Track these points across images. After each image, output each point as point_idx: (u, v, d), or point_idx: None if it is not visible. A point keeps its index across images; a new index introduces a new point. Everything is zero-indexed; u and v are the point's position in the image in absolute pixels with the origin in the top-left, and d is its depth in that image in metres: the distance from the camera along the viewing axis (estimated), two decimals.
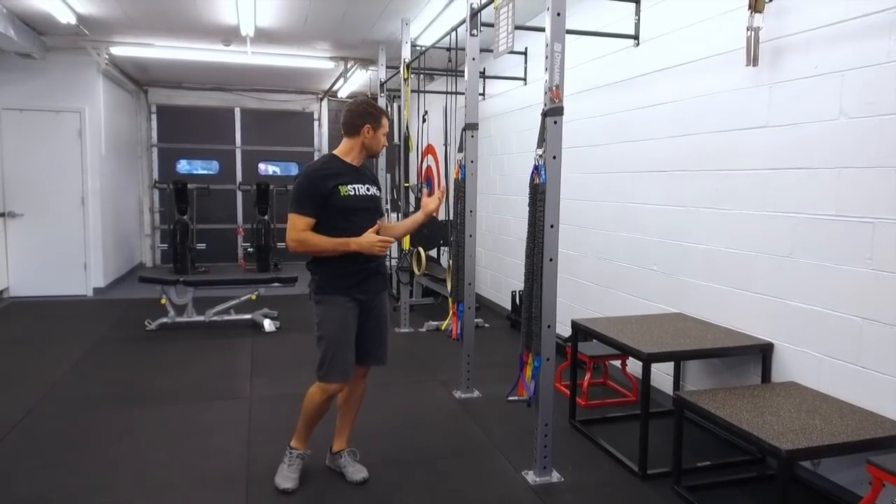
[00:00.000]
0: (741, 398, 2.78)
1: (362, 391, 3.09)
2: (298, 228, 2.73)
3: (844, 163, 2.78)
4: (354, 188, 2.81)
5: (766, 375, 3.19)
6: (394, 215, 6.83)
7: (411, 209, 7.00)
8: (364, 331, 2.91)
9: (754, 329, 3.30)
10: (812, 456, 2.59)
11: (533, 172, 2.89)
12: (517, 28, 3.95)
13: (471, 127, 3.98)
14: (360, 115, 2.84)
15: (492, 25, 3.61)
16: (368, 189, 2.87)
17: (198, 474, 3.09)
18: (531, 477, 3.05)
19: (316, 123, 10.61)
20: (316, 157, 9.51)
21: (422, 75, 6.59)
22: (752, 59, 3.15)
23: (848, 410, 2.65)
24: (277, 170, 10.55)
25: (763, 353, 3.19)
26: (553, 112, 2.81)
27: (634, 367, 4.08)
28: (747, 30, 3.13)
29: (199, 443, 3.45)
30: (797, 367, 3.05)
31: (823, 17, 2.86)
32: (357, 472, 3.01)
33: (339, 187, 2.76)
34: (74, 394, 4.22)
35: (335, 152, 2.91)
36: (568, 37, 2.83)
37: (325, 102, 10.49)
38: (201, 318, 6.01)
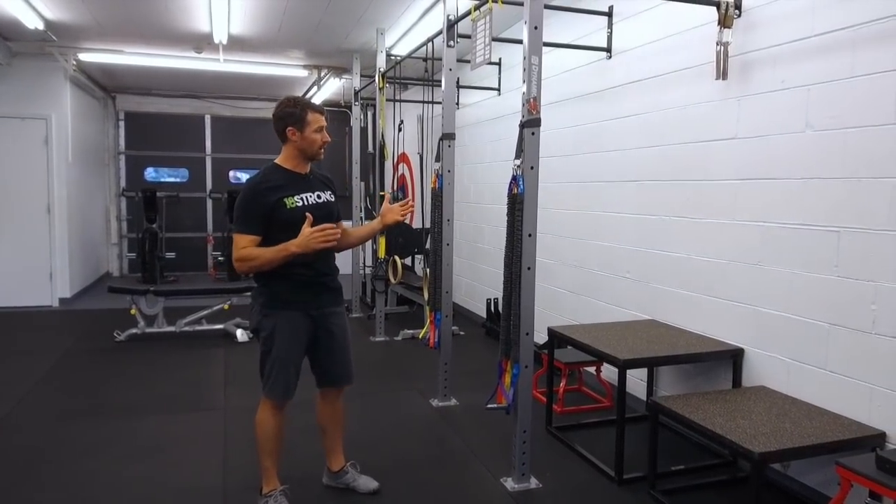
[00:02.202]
0: (713, 402, 2.85)
1: (341, 411, 2.98)
2: (240, 247, 2.55)
3: (811, 174, 2.88)
4: (302, 198, 2.63)
5: (737, 380, 3.27)
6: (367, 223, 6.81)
7: None
8: (319, 350, 2.78)
9: (725, 335, 3.38)
10: (783, 458, 2.66)
11: (511, 183, 2.93)
12: (495, 40, 4.01)
13: (448, 136, 4.02)
14: (281, 118, 2.64)
15: (468, 37, 3.65)
16: (319, 196, 2.70)
17: (173, 488, 3.04)
18: (510, 484, 3.07)
19: None
20: None
21: (396, 84, 6.61)
22: (722, 73, 3.24)
23: (816, 413, 2.73)
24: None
25: (734, 358, 3.27)
26: (531, 123, 2.86)
27: (609, 373, 4.14)
28: (717, 44, 3.23)
29: (173, 456, 3.40)
30: (767, 371, 3.13)
31: (790, 33, 2.97)
32: (368, 482, 2.98)
33: (285, 200, 2.58)
34: (42, 408, 4.12)
35: (277, 161, 2.71)
36: (542, 50, 2.88)
37: None
38: (172, 328, 5.92)
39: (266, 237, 2.58)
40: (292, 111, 2.63)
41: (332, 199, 2.79)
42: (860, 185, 2.66)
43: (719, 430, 2.56)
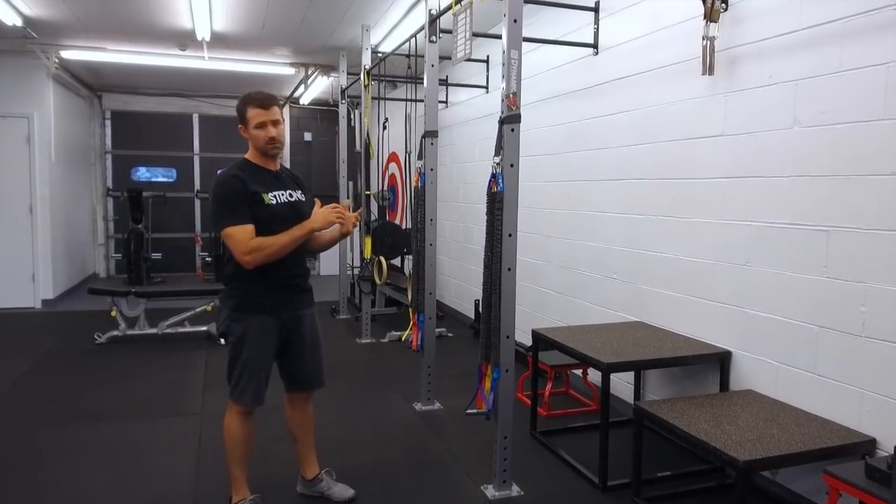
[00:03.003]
0: (699, 407, 2.76)
1: (311, 415, 2.88)
2: (245, 240, 2.43)
3: (799, 171, 2.80)
4: (276, 195, 2.55)
5: (724, 384, 3.18)
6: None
7: (373, 217, 6.93)
8: (289, 354, 2.68)
9: (713, 337, 3.30)
10: (769, 466, 2.58)
11: (490, 180, 2.84)
12: (478, 35, 3.93)
13: (430, 134, 3.92)
14: (236, 116, 2.59)
15: (451, 32, 3.56)
16: (291, 195, 2.62)
17: (141, 496, 2.93)
18: (490, 491, 2.98)
19: None
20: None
21: (383, 82, 6.51)
22: (708, 69, 3.15)
23: (805, 419, 2.65)
24: None
25: (721, 361, 3.19)
26: (510, 119, 2.77)
27: (595, 376, 4.05)
28: (703, 39, 3.14)
29: (144, 463, 3.29)
30: (755, 375, 3.05)
31: (777, 26, 2.88)
32: (343, 490, 2.87)
33: (262, 195, 2.50)
34: (14, 412, 4.01)
35: (246, 156, 2.62)
36: (527, 46, 2.81)
37: (286, 109, 10.32)
38: (154, 330, 5.81)
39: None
40: (239, 108, 2.58)
41: (304, 199, 2.71)
42: (849, 182, 2.58)
43: (704, 436, 2.47)
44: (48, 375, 4.82)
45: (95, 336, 5.67)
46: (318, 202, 2.76)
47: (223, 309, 2.63)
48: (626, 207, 3.96)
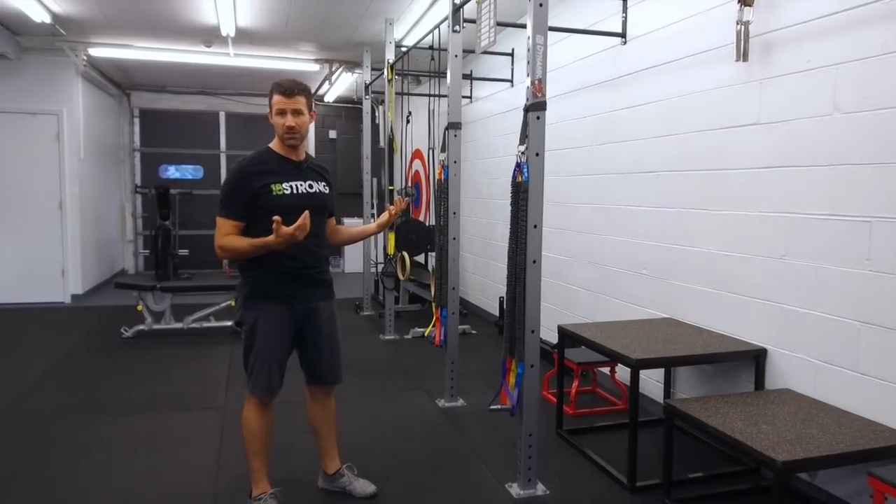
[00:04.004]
0: (734, 406, 2.65)
1: (333, 409, 2.84)
2: (222, 233, 2.43)
3: (840, 160, 2.67)
4: (291, 186, 2.50)
5: (759, 382, 3.06)
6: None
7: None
8: (305, 346, 2.65)
9: (747, 334, 3.17)
10: (809, 467, 2.46)
11: (515, 170, 2.76)
12: (502, 25, 3.85)
13: (454, 126, 3.85)
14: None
15: (475, 22, 3.49)
16: (311, 186, 2.56)
17: (162, 488, 2.91)
18: (515, 490, 2.90)
19: None
20: None
21: (407, 78, 6.46)
22: (742, 55, 3.05)
23: (846, 419, 2.52)
24: None
25: (756, 359, 3.07)
26: (535, 107, 2.69)
27: (624, 374, 3.95)
28: (737, 24, 3.03)
29: (166, 456, 3.28)
30: (792, 373, 2.92)
31: (816, 9, 2.75)
32: (365, 486, 2.82)
33: (272, 186, 2.46)
34: (41, 404, 4.03)
35: (270, 145, 2.59)
36: (554, 37, 2.73)
37: None
38: (179, 325, 5.84)
39: (250, 222, 2.46)
40: (269, 93, 2.55)
41: (326, 192, 2.65)
42: (894, 171, 2.45)
43: (739, 435, 2.36)
44: (75, 368, 4.86)
45: (122, 330, 5.72)
46: (397, 202, 2.83)
47: (238, 297, 2.62)
48: (656, 201, 3.85)
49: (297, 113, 2.51)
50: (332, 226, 2.80)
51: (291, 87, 2.51)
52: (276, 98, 2.50)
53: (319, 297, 2.65)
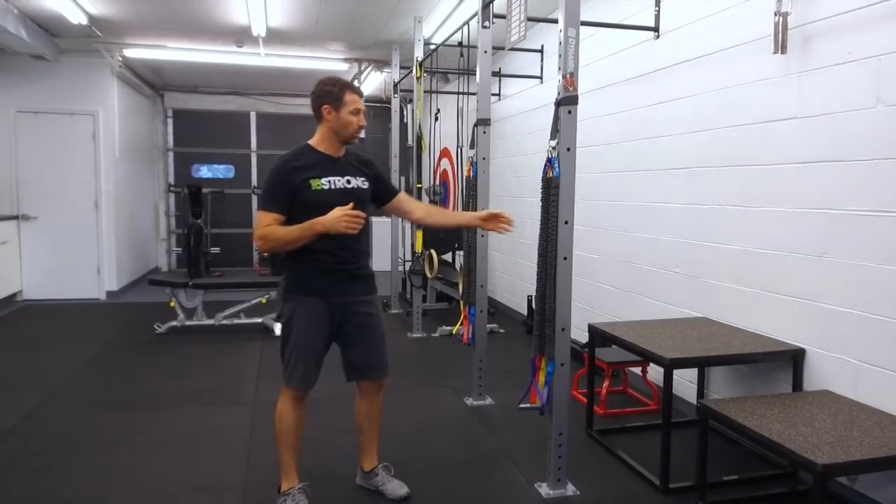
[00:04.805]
0: (771, 407, 2.58)
1: (379, 407, 2.84)
2: (263, 225, 2.47)
3: (883, 153, 2.57)
4: (330, 181, 2.53)
5: (797, 383, 2.97)
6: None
7: None
8: (344, 341, 2.66)
9: (785, 334, 3.09)
10: (850, 471, 2.38)
11: (546, 166, 2.73)
12: (533, 20, 3.82)
13: (482, 122, 3.83)
14: (319, 95, 2.56)
15: (505, 17, 3.45)
16: (349, 181, 2.59)
17: (192, 482, 2.94)
18: (544, 489, 2.86)
19: None
20: None
21: (436, 76, 6.45)
22: (780, 47, 2.97)
23: (889, 422, 2.43)
24: None
25: (794, 359, 2.98)
26: (567, 101, 2.65)
27: (655, 374, 3.88)
28: (775, 15, 2.95)
29: (196, 449, 3.32)
30: (832, 374, 2.83)
31: None
32: (398, 487, 2.81)
33: (311, 181, 2.49)
34: (75, 398, 4.11)
35: (310, 142, 2.63)
36: (585, 32, 2.69)
37: None
38: (211, 321, 5.91)
39: (290, 218, 2.51)
40: (330, 90, 2.56)
41: (365, 186, 2.66)
42: None
43: (777, 437, 2.29)
44: (109, 363, 4.95)
45: (155, 326, 5.81)
46: (492, 215, 2.78)
47: (278, 292, 2.66)
48: (690, 198, 3.77)
49: (365, 114, 2.64)
50: (405, 201, 2.85)
51: (360, 89, 2.64)
52: (353, 97, 2.57)
53: (357, 291, 2.65)
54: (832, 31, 2.80)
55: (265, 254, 2.57)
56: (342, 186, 2.57)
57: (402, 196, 2.87)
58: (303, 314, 2.55)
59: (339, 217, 2.42)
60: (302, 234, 2.46)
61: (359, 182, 2.63)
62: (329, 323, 2.59)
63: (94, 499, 2.80)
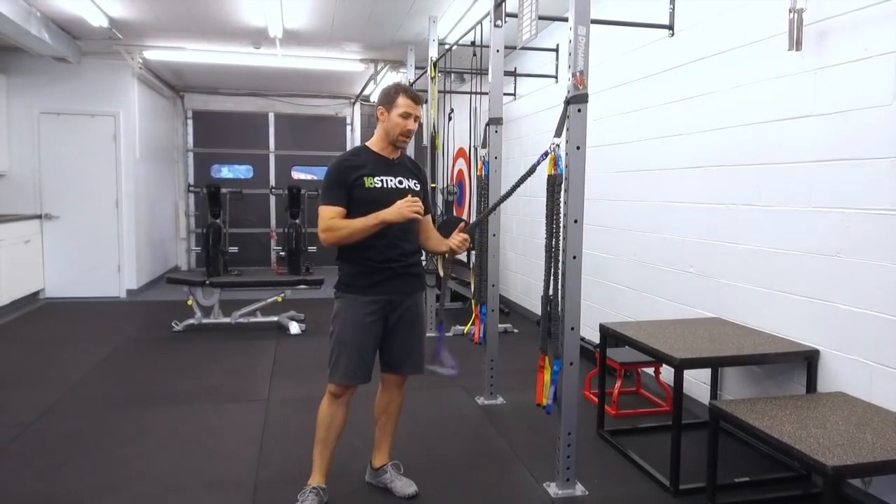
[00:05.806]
0: (783, 409, 2.55)
1: (398, 403, 2.87)
2: (326, 218, 2.55)
3: None
4: (383, 180, 2.61)
5: (811, 385, 2.93)
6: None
7: (440, 211, 6.88)
8: (392, 336, 2.71)
9: (798, 335, 3.05)
10: (862, 473, 2.34)
11: (541, 158, 2.74)
12: (546, 18, 3.81)
13: (494, 121, 3.83)
14: (379, 98, 2.67)
15: (517, 16, 3.45)
16: (401, 182, 2.65)
17: (204, 478, 2.98)
18: (553, 489, 2.86)
19: (348, 128, 10.60)
20: None
21: (451, 76, 6.46)
22: (795, 44, 2.93)
23: None
24: (314, 176, 10.52)
25: (808, 360, 2.94)
26: (577, 99, 2.65)
27: (668, 374, 3.85)
28: (790, 12, 2.92)
29: (209, 445, 3.36)
30: (846, 375, 2.79)
31: None
32: (406, 485, 2.82)
33: (364, 178, 2.57)
34: (92, 394, 4.18)
35: (367, 143, 2.72)
36: (599, 30, 2.68)
37: (357, 107, 10.46)
38: (227, 319, 5.97)
39: (348, 211, 2.57)
40: (387, 91, 2.65)
41: (416, 188, 2.71)
42: None
43: (788, 439, 2.26)
44: (127, 360, 5.03)
45: (173, 324, 5.89)
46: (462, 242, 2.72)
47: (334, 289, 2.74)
48: (704, 197, 3.73)
49: (417, 119, 2.66)
50: (427, 226, 2.79)
51: (419, 96, 2.67)
52: (406, 101, 2.61)
53: (403, 289, 2.69)
54: (848, 28, 2.76)
55: (328, 246, 2.62)
56: (394, 186, 2.64)
57: (429, 217, 2.81)
58: (348, 311, 2.63)
59: (402, 206, 2.50)
60: (366, 224, 2.52)
61: (410, 184, 2.70)
62: (373, 319, 2.64)
63: (108, 492, 2.85)
